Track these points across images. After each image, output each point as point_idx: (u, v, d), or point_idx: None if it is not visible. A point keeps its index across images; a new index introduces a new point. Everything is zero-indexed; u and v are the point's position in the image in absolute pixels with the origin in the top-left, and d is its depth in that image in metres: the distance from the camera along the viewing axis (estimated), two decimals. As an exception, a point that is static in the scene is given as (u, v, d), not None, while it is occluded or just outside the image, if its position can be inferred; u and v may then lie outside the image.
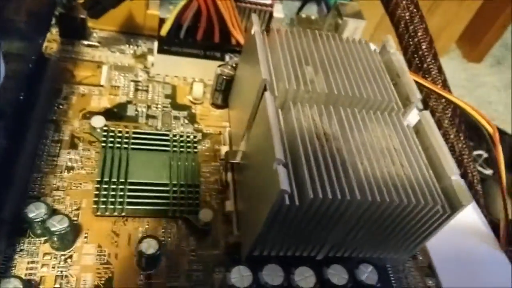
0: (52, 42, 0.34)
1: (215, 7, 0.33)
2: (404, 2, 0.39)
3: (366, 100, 0.24)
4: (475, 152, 0.51)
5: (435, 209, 0.20)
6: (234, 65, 0.32)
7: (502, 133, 0.58)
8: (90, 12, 0.32)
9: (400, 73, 0.27)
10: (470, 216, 0.30)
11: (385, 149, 0.22)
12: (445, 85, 0.36)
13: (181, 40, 0.34)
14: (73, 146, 0.28)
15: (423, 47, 0.37)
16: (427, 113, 0.24)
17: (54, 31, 0.35)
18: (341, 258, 0.23)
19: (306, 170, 0.19)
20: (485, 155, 0.52)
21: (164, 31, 0.34)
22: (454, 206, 0.20)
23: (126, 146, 0.28)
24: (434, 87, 0.31)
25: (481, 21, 0.76)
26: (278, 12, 0.38)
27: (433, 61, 0.36)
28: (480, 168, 0.51)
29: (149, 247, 0.22)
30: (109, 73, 0.33)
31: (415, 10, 0.38)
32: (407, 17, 0.39)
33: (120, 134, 0.29)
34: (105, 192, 0.26)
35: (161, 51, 0.34)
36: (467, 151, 0.34)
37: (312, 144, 0.21)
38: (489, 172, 0.52)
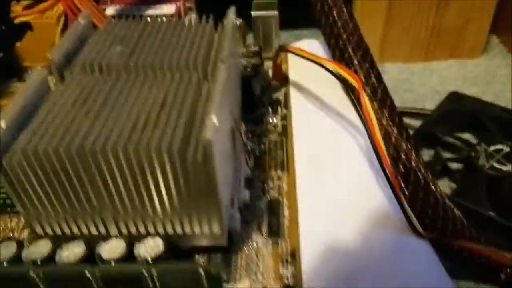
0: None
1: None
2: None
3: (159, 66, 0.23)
4: (493, 147, 0.43)
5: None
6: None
7: None
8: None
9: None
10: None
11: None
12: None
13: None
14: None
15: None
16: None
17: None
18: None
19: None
20: (506, 149, 0.44)
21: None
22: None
23: None
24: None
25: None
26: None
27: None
28: (496, 165, 0.43)
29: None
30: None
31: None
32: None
33: None
34: None
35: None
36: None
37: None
38: (508, 168, 0.43)
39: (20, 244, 0.20)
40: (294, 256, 0.23)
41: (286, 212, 0.26)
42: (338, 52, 0.33)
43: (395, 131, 0.29)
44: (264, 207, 0.26)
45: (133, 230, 0.21)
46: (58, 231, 0.21)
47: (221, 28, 0.26)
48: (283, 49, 0.31)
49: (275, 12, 0.34)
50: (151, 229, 0.21)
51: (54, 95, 0.22)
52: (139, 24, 0.26)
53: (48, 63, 0.23)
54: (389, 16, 0.53)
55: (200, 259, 0.22)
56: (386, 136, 0.29)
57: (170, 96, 0.21)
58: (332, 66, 0.27)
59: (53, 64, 0.23)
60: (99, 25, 0.32)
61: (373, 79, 0.32)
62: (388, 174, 0.23)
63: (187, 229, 0.21)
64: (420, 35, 0.54)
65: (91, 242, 0.21)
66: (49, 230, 0.21)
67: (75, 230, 0.21)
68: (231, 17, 0.26)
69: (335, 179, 0.27)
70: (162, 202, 0.20)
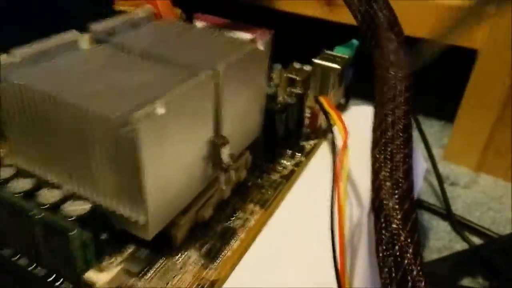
0: None
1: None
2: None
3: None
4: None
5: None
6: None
7: None
8: None
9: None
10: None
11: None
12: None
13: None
14: None
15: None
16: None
17: None
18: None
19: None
20: None
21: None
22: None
23: None
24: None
25: None
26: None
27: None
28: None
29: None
30: None
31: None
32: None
33: None
34: None
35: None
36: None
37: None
38: None
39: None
40: (213, 285, 0.22)
41: (235, 244, 0.24)
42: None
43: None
44: (218, 231, 0.25)
45: (73, 188, 0.23)
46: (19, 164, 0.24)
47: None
48: (317, 99, 0.30)
49: (337, 66, 0.34)
50: (91, 196, 0.22)
51: (76, 52, 0.25)
52: (187, 26, 0.29)
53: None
54: (501, 118, 0.47)
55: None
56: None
57: (152, 81, 0.22)
58: (334, 117, 0.26)
59: (92, 32, 0.26)
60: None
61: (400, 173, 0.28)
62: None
63: (117, 208, 0.22)
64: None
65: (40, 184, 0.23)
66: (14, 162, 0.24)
67: (32, 168, 0.24)
68: (262, 41, 0.26)
69: (297, 250, 0.25)
70: (94, 168, 0.21)
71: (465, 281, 0.37)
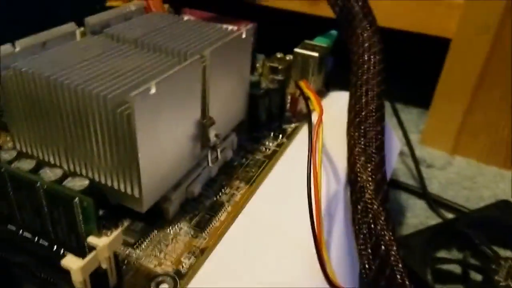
0: None
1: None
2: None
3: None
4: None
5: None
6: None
7: None
8: None
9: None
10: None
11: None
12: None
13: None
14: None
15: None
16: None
17: None
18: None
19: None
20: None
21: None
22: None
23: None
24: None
25: None
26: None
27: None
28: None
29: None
30: None
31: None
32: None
33: None
34: None
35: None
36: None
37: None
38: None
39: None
40: (203, 252, 0.24)
41: (223, 216, 0.27)
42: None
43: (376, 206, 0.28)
44: (207, 205, 0.27)
45: (72, 167, 0.25)
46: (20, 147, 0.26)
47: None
48: (296, 84, 0.33)
49: (316, 54, 0.36)
50: (89, 173, 0.25)
51: (74, 42, 0.27)
52: (176, 18, 0.31)
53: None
54: (473, 103, 0.50)
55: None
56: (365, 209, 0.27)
57: (144, 66, 0.24)
58: (312, 97, 0.28)
59: (87, 25, 0.28)
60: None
61: (372, 149, 0.31)
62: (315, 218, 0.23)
63: (113, 183, 0.24)
64: (503, 136, 0.50)
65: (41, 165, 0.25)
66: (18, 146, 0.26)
67: (33, 151, 0.26)
68: (245, 31, 0.29)
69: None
70: (92, 147, 0.23)
71: (440, 253, 0.40)
